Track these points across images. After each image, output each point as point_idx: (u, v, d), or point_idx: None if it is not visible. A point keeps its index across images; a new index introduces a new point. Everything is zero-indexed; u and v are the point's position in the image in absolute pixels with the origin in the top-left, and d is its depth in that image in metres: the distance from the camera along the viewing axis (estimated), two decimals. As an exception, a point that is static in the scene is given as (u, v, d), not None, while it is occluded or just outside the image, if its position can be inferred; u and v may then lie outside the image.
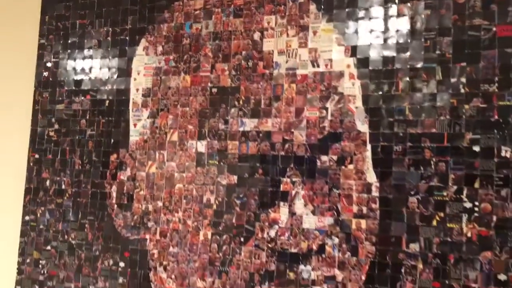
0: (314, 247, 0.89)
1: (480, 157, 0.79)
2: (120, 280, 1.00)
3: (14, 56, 1.16)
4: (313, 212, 0.89)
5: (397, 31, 0.86)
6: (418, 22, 0.84)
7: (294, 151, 0.91)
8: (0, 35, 1.18)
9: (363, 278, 0.85)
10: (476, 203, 0.79)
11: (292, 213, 0.90)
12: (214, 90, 0.98)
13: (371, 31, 0.87)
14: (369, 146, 0.86)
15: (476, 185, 0.79)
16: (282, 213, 0.90)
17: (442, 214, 0.81)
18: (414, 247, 0.82)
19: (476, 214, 0.79)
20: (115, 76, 1.05)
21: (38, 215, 1.09)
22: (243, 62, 0.95)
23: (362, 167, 0.86)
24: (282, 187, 0.91)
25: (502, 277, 0.77)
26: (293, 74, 0.92)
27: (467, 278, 0.78)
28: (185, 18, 1.01)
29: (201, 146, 0.97)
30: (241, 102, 0.95)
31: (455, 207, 0.80)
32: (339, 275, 0.86)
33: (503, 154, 0.79)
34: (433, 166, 0.82)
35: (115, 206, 1.03)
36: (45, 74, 1.11)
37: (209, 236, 0.95)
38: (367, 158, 0.86)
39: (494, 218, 0.78)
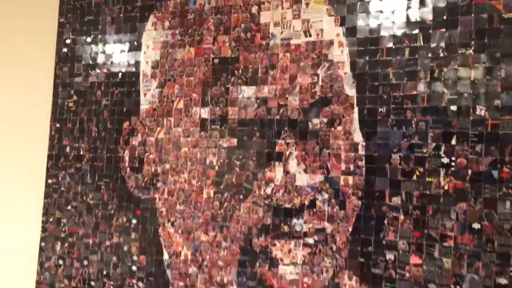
0: (306, 203, 0.96)
1: (457, 116, 0.85)
2: (133, 235, 1.10)
3: (36, 34, 1.25)
4: (305, 171, 0.96)
5: (381, 0, 0.92)
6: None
7: (288, 115, 0.98)
8: (23, 15, 1.28)
9: (350, 229, 0.92)
10: (453, 159, 0.85)
11: (286, 172, 0.97)
12: (216, 60, 1.06)
13: (359, 1, 0.94)
14: (356, 109, 0.93)
15: (453, 142, 0.85)
16: (277, 172, 0.98)
17: (421, 169, 0.87)
18: (396, 200, 0.89)
19: (452, 169, 0.85)
20: (126, 50, 1.14)
21: (60, 178, 1.19)
22: (242, 34, 1.03)
23: (350, 128, 0.93)
24: (277, 148, 0.98)
25: (476, 225, 0.83)
26: (287, 44, 0.99)
27: (444, 227, 0.85)
28: (189, -5, 1.10)
29: (204, 113, 1.06)
30: (240, 71, 1.03)
31: (433, 163, 0.86)
32: (329, 227, 0.93)
33: (478, 112, 0.84)
34: (414, 126, 0.88)
35: (128, 169, 1.13)
36: (65, 50, 1.21)
37: (212, 195, 1.04)
38: (355, 120, 0.93)
39: (469, 172, 0.84)
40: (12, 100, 1.26)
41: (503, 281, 0.79)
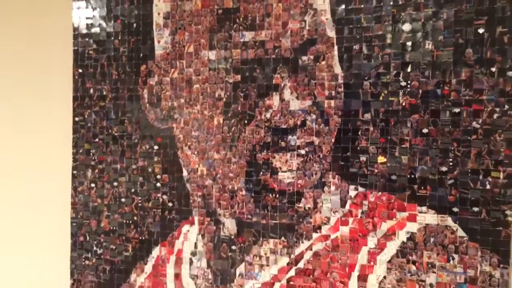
0: (298, 123, 1.21)
1: (411, 49, 1.12)
2: (155, 158, 1.32)
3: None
4: (297, 98, 1.21)
5: None
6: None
7: (282, 54, 1.21)
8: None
9: (333, 140, 1.19)
10: (409, 82, 1.12)
11: (282, 100, 1.22)
12: (220, 11, 1.26)
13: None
14: (336, 47, 1.17)
15: (409, 69, 1.11)
16: (274, 100, 1.23)
17: (386, 91, 1.13)
18: (367, 116, 1.15)
19: (408, 89, 1.11)
20: (141, 3, 1.32)
21: (86, 116, 1.38)
22: (241, -12, 1.25)
23: (331, 63, 1.18)
24: (274, 81, 1.22)
25: (425, 130, 1.11)
26: None
27: (402, 133, 1.12)
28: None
29: (212, 55, 1.27)
30: (241, 19, 1.24)
31: (394, 86, 1.12)
32: (316, 140, 1.19)
33: (426, 46, 1.10)
34: (380, 59, 1.13)
35: (147, 104, 1.34)
36: (83, 3, 1.38)
37: (221, 121, 1.27)
38: (335, 56, 1.17)
39: (420, 91, 1.10)
40: (34, 51, 1.43)
41: (444, 168, 1.09)
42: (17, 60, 1.45)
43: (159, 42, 1.29)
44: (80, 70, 1.36)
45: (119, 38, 1.32)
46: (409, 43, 1.09)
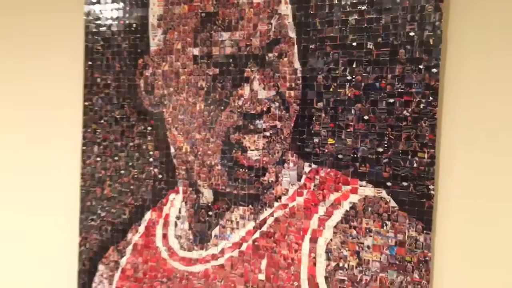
0: (264, 109, 1.41)
1: (356, 48, 1.32)
2: (149, 137, 1.56)
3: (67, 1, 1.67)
4: (264, 88, 1.41)
5: None
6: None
7: (252, 51, 1.43)
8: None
9: (292, 125, 1.38)
10: (353, 76, 1.32)
11: (251, 90, 1.42)
12: (203, 14, 1.48)
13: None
14: (296, 46, 1.38)
15: (354, 65, 1.32)
16: (245, 90, 1.44)
17: (335, 84, 1.33)
18: (320, 104, 1.35)
19: (353, 82, 1.32)
20: (139, 7, 1.57)
21: (93, 101, 1.64)
22: (220, -4, 1.47)
23: (292, 59, 1.38)
24: (245, 74, 1.43)
25: (366, 117, 1.32)
26: (251, 2, 1.42)
27: (347, 119, 1.33)
28: (183, -34, 1.51)
29: (196, 51, 1.50)
30: (219, 21, 1.47)
31: (342, 79, 1.32)
32: (279, 124, 1.40)
33: (368, 46, 1.31)
34: (331, 56, 1.34)
35: (143, 92, 1.58)
36: (92, 8, 1.64)
37: (202, 107, 1.49)
38: (295, 54, 1.38)
39: (363, 84, 1.31)
40: (53, 47, 1.70)
41: (380, 149, 1.29)
42: (39, 54, 1.72)
43: (153, 39, 1.54)
44: (90, 63, 1.62)
45: (121, 36, 1.58)
46: (354, 44, 1.30)
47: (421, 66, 1.22)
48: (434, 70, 1.21)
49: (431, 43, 1.21)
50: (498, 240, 1.18)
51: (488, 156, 1.18)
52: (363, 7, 1.26)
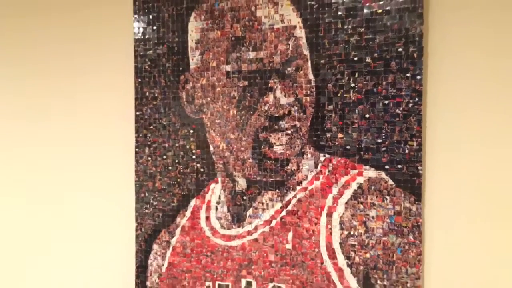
0: (286, 112, 1.72)
1: (356, 62, 1.67)
2: (191, 139, 1.89)
3: (115, 23, 2.02)
4: (285, 96, 1.73)
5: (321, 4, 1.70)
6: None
7: (274, 67, 1.72)
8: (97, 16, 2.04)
9: (308, 124, 1.71)
10: (356, 84, 1.64)
11: (275, 97, 1.73)
12: (233, 38, 1.82)
13: (309, 4, 1.72)
14: (309, 62, 1.71)
15: (356, 76, 1.66)
16: (270, 98, 1.72)
17: (342, 91, 1.66)
18: (331, 107, 1.67)
19: (356, 89, 1.66)
20: (179, 33, 1.91)
21: (143, 111, 1.97)
22: (247, 23, 1.81)
23: (307, 72, 1.69)
24: (269, 85, 1.76)
25: (367, 115, 1.66)
26: (272, 27, 1.76)
27: (352, 118, 1.64)
28: (214, -1, 1.84)
29: (228, 68, 1.81)
30: (247, 43, 1.81)
31: (347, 87, 1.65)
32: (298, 124, 1.73)
33: (367, 60, 1.66)
34: (337, 69, 1.68)
35: (185, 102, 1.92)
36: (141, 34, 1.98)
37: (235, 113, 1.80)
38: (309, 68, 1.70)
39: (364, 89, 1.65)
40: (109, 66, 2.05)
41: (379, 140, 1.63)
42: (98, 74, 2.06)
43: (192, 59, 1.87)
44: (140, 80, 1.96)
45: (165, 57, 1.92)
46: (355, 58, 1.63)
47: (408, 75, 1.52)
48: (418, 77, 1.53)
49: (415, 56, 1.55)
50: (475, 205, 1.52)
51: (463, 141, 1.53)
52: (362, 30, 1.60)
